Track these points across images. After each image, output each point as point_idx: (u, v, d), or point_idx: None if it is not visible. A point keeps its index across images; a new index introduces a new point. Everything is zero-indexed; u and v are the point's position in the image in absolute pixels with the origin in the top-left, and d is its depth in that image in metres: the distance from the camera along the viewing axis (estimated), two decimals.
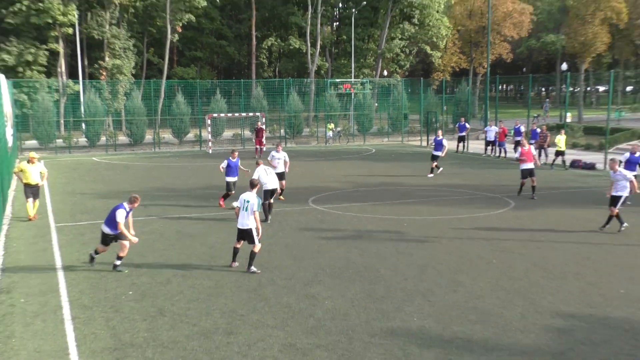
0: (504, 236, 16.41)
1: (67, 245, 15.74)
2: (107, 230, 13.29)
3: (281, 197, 21.48)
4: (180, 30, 60.98)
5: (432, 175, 28.15)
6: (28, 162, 19.32)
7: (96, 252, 13.67)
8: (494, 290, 11.95)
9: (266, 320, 10.42)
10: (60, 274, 13.23)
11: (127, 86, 52.55)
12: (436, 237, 16.36)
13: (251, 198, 13.07)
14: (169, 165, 34.01)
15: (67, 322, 10.45)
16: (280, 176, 20.78)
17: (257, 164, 18.75)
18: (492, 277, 12.78)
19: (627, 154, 20.85)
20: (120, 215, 13.02)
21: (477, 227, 17.56)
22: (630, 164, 20.28)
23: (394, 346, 9.36)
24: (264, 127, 40.55)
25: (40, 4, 46.92)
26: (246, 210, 13.04)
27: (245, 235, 13.18)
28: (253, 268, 13.13)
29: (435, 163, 28.46)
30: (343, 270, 13.30)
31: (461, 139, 39.08)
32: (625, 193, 16.74)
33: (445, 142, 28.45)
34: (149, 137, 45.88)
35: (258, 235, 13.14)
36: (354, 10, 66.93)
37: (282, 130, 49.15)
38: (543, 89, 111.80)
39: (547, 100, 73.34)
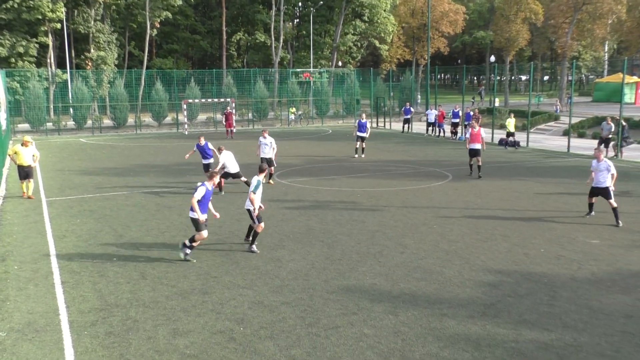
0: (443, 204, 16.49)
1: (57, 218, 15.23)
2: (192, 215, 11.36)
3: (270, 181, 19.69)
4: (158, 25, 59.83)
5: (357, 156, 26.38)
6: (22, 145, 18.18)
7: (192, 241, 11.47)
8: (435, 252, 11.98)
9: (237, 281, 10.25)
10: (51, 243, 12.79)
11: (110, 75, 51.23)
12: (385, 206, 16.35)
13: (253, 181, 11.82)
14: (150, 145, 33.26)
15: (57, 286, 10.11)
16: (269, 162, 19.39)
17: (219, 150, 18.34)
18: (433, 240, 12.81)
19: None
20: (200, 192, 11.19)
21: (420, 197, 17.60)
22: None
23: (349, 301, 9.29)
24: (233, 111, 40.01)
25: (31, 2, 45.27)
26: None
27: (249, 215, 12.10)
28: (254, 247, 12.00)
29: (360, 144, 26.35)
30: (304, 236, 13.17)
31: (406, 121, 39.19)
32: (608, 184, 14.13)
33: (368, 124, 27.00)
34: (131, 120, 44.93)
35: (255, 213, 11.76)
36: (312, 8, 66.61)
37: (250, 114, 48.61)
38: (475, 78, 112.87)
39: (482, 87, 74.02)
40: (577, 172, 22.02)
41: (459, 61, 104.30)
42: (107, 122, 45.16)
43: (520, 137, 32.45)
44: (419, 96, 63.28)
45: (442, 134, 36.30)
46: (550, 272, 10.67)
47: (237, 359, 7.40)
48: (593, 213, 14.86)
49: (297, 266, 11.07)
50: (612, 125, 26.13)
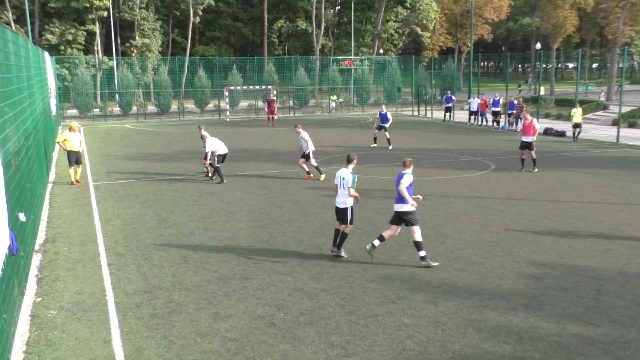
0: (485, 194, 16.23)
1: (104, 201, 15.63)
2: (399, 207, 10.46)
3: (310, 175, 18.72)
4: (201, 13, 60.36)
5: (375, 145, 26.11)
6: (69, 130, 18.33)
7: (382, 240, 10.58)
8: (476, 242, 11.82)
9: (277, 267, 10.33)
10: (98, 226, 13.14)
11: (154, 62, 52.15)
12: (425, 195, 16.15)
13: (346, 174, 10.61)
14: (192, 132, 33.71)
15: (104, 267, 10.39)
16: (306, 157, 18.58)
17: (200, 130, 19.41)
18: (475, 231, 12.64)
19: None
20: (407, 179, 10.33)
21: (462, 186, 17.37)
22: None
23: (389, 290, 9.26)
24: (275, 98, 40.14)
25: None
26: (343, 187, 10.69)
27: (340, 213, 10.78)
28: (342, 252, 10.83)
29: (380, 133, 26.19)
30: None
31: (448, 110, 38.66)
32: None
33: (389, 115, 26.58)
34: (174, 107, 45.70)
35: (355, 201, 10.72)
36: None
37: (291, 102, 48.78)
38: (520, 66, 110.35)
39: (531, 75, 72.28)
40: (626, 163, 21.35)
41: (503, 48, 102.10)
42: (151, 108, 45.98)
43: (566, 126, 31.62)
44: (461, 84, 62.30)
45: (484, 123, 35.67)
46: (596, 266, 10.38)
47: (277, 344, 7.48)
48: None
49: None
50: None
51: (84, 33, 50.08)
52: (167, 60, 53.78)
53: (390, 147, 25.67)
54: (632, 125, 33.93)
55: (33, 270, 10.24)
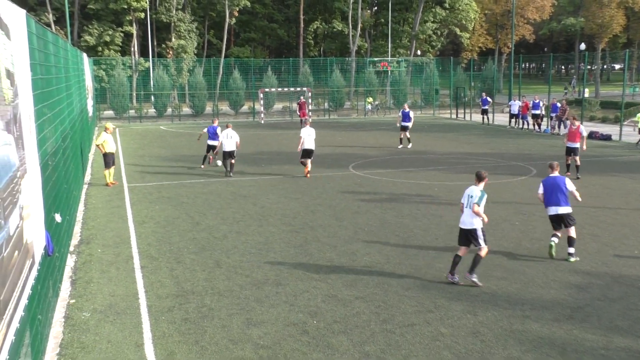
0: (526, 200, 15.85)
1: (138, 203, 15.84)
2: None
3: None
4: (236, 14, 60.97)
5: (402, 146, 26.38)
6: (105, 131, 18.42)
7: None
8: (516, 250, 11.55)
9: (310, 274, 10.27)
10: (132, 228, 13.31)
11: (190, 64, 52.85)
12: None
13: (475, 192, 9.71)
14: None
15: (137, 270, 10.50)
16: (309, 153, 19.31)
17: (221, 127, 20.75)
18: (515, 238, 12.36)
19: None
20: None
21: (502, 191, 17.02)
22: None
23: (426, 299, 9.11)
24: (305, 100, 40.22)
25: None
26: (469, 207, 9.67)
27: (468, 235, 9.73)
28: (474, 277, 9.59)
29: (405, 134, 26.44)
30: (379, 230, 13.04)
31: (484, 112, 38.08)
32: None
33: (412, 114, 26.59)
34: (208, 108, 46.16)
35: (483, 235, 9.67)
36: None
37: (326, 104, 48.78)
38: (563, 67, 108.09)
39: (575, 77, 70.77)
40: None
41: (545, 49, 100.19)
42: (186, 110, 46.54)
43: (612, 130, 30.77)
44: (502, 86, 61.35)
45: (525, 126, 34.99)
46: None
47: (310, 353, 7.41)
48: None
49: (372, 260, 10.96)
50: None
51: (121, 34, 51.14)
52: (203, 61, 54.42)
53: (410, 146, 26.24)
54: None
55: (67, 272, 10.41)
